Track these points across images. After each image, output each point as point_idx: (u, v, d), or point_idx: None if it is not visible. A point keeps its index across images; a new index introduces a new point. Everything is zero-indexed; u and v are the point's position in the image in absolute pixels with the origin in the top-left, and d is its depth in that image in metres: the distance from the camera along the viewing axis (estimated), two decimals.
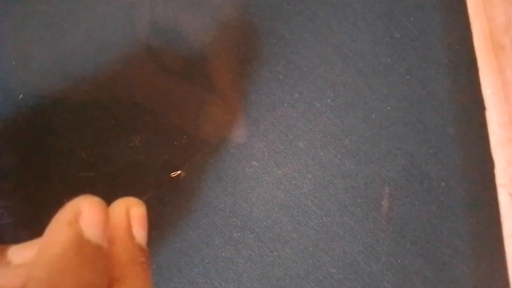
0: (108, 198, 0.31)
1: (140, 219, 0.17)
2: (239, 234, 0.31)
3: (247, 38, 0.35)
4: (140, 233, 0.17)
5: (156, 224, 0.31)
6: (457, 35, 0.37)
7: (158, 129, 0.33)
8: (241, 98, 0.34)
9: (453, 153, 0.35)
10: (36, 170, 0.31)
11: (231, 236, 0.31)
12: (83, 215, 0.15)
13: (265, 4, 0.36)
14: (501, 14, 0.31)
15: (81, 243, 0.14)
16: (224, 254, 0.31)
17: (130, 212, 0.17)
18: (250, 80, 0.35)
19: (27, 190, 0.30)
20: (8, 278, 0.16)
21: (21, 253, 0.17)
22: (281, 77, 0.35)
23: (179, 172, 0.32)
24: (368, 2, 0.37)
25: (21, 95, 0.32)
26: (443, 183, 0.35)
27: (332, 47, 0.36)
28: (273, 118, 0.34)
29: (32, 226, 0.30)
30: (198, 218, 0.31)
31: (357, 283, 0.32)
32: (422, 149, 0.35)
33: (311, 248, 0.32)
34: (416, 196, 0.34)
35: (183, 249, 0.31)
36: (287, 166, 0.33)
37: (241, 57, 0.35)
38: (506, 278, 0.31)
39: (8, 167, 0.30)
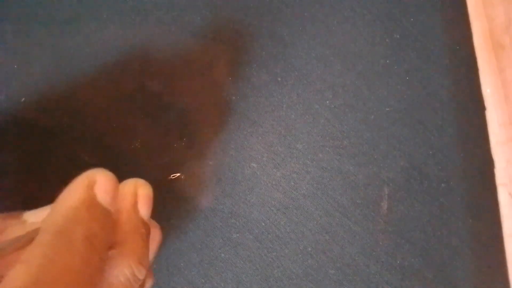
0: None
1: (145, 198, 0.20)
2: (238, 235, 0.32)
3: (246, 40, 0.36)
4: (143, 209, 0.19)
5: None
6: (457, 35, 0.37)
7: (158, 132, 0.33)
8: (240, 100, 0.35)
9: (453, 153, 0.35)
10: (38, 172, 0.31)
11: (230, 237, 0.32)
12: (97, 183, 0.17)
13: (264, 6, 0.36)
14: (501, 13, 0.32)
15: (93, 203, 0.17)
16: (223, 254, 0.31)
17: (138, 190, 0.20)
18: (249, 82, 0.35)
19: (28, 192, 0.31)
20: (23, 231, 0.17)
21: (35, 215, 0.19)
22: (280, 79, 0.35)
23: (178, 174, 0.32)
24: (367, 3, 0.37)
25: (23, 98, 0.32)
26: (443, 184, 0.35)
27: (331, 48, 0.36)
28: (272, 120, 0.34)
29: None
30: (197, 219, 0.32)
31: (356, 284, 0.32)
32: (422, 150, 0.35)
33: (310, 249, 0.32)
34: (416, 197, 0.34)
35: (182, 250, 0.31)
36: (286, 168, 0.34)
37: (240, 59, 0.35)
38: (506, 278, 0.31)
39: (9, 169, 0.31)
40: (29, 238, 0.15)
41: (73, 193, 0.17)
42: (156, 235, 0.22)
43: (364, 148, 0.35)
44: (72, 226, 0.15)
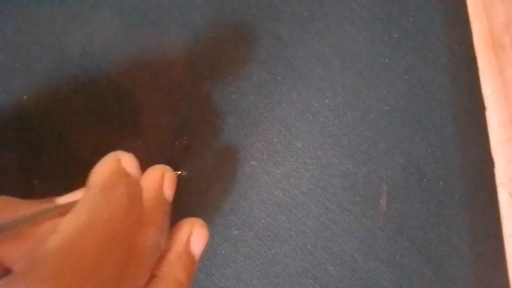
0: None
1: (171, 182, 0.22)
2: (238, 232, 0.32)
3: (246, 39, 0.36)
4: (168, 191, 0.21)
5: None
6: (456, 34, 0.37)
7: (159, 131, 0.33)
8: (241, 99, 0.35)
9: (452, 152, 0.35)
10: (39, 170, 0.31)
11: (230, 234, 0.32)
12: (122, 160, 0.19)
13: (263, 5, 0.36)
14: (501, 13, 0.32)
15: (124, 173, 0.18)
16: (223, 251, 0.32)
17: (165, 175, 0.22)
18: (249, 81, 0.35)
19: (30, 190, 0.31)
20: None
21: (68, 199, 0.20)
22: (279, 77, 0.35)
23: (179, 172, 0.32)
24: (367, 3, 0.37)
25: (25, 96, 0.32)
26: (441, 182, 0.35)
27: (330, 47, 0.36)
28: (272, 118, 0.35)
29: None
30: (198, 216, 0.32)
31: (355, 281, 0.33)
32: (421, 148, 0.35)
33: (309, 246, 0.33)
34: (414, 195, 0.35)
35: None
36: (285, 166, 0.34)
37: (240, 58, 0.35)
38: (506, 278, 0.32)
39: (11, 168, 0.31)
40: (66, 209, 0.16)
41: (105, 166, 0.18)
42: (202, 233, 0.22)
43: (363, 146, 0.35)
44: (114, 184, 0.17)
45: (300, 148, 0.34)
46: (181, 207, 0.32)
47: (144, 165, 0.33)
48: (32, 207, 0.18)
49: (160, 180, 0.21)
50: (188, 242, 0.20)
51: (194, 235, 0.21)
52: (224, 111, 0.34)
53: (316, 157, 0.34)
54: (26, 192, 0.31)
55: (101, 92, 0.34)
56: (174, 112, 0.34)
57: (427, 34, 0.38)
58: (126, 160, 0.19)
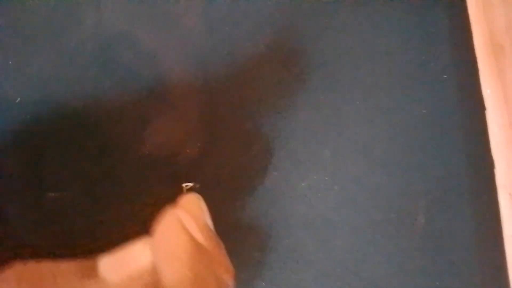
0: (113, 212, 0.27)
1: (207, 212, 0.21)
2: (258, 254, 0.28)
3: (264, 33, 0.32)
4: (209, 221, 0.21)
5: None
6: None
7: (168, 137, 0.30)
8: (259, 101, 0.31)
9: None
10: (34, 182, 0.28)
11: (249, 256, 0.28)
12: (186, 222, 0.18)
13: None
14: (501, 14, 0.31)
15: (196, 245, 0.17)
16: (242, 276, 0.28)
17: (201, 205, 0.21)
18: (269, 80, 0.31)
19: (26, 197, 0.28)
20: None
21: (113, 268, 0.18)
22: (303, 76, 0.32)
23: (192, 184, 0.29)
24: None
25: (18, 99, 0.29)
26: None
27: (360, 42, 0.33)
28: (294, 123, 0.31)
29: (31, 238, 0.27)
30: None
31: None
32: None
33: (338, 270, 0.29)
34: (455, 210, 0.31)
35: None
36: (311, 178, 0.30)
37: (258, 54, 0.32)
38: (506, 280, 0.29)
39: (3, 175, 0.28)
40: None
41: (175, 240, 0.18)
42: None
43: (398, 155, 0.31)
44: (203, 276, 0.16)
45: (327, 158, 0.30)
46: None
47: (151, 175, 0.29)
48: (75, 272, 0.17)
49: (203, 215, 0.20)
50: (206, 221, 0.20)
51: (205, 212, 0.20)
52: (241, 114, 0.31)
53: (345, 168, 0.30)
54: (23, 198, 0.28)
55: (103, 94, 0.30)
56: (185, 116, 0.30)
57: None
58: (191, 223, 0.18)
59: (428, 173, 0.31)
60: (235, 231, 0.29)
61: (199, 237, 0.18)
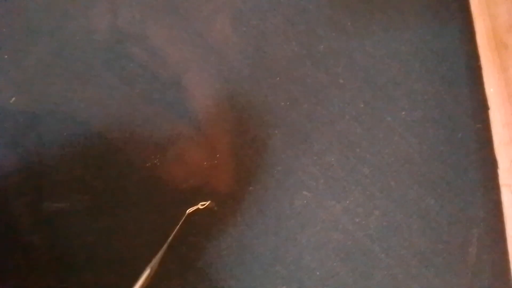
0: (115, 224, 0.23)
1: None
2: (284, 287, 0.24)
3: (299, 29, 0.28)
4: None
5: (177, 272, 0.24)
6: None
7: (183, 146, 0.26)
8: (290, 107, 0.27)
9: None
10: (29, 189, 0.24)
11: None
12: None
13: None
14: (504, 12, 0.31)
15: None
16: None
17: None
18: (302, 83, 0.27)
19: (19, 208, 0.24)
20: None
21: None
22: (341, 81, 0.27)
23: (208, 202, 0.25)
24: None
25: (13, 98, 0.25)
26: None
27: (407, 44, 0.28)
28: (330, 134, 0.27)
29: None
30: (231, 265, 0.24)
31: None
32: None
33: None
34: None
35: None
36: (348, 199, 0.26)
37: (291, 53, 0.27)
38: (508, 278, 0.27)
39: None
40: None
41: None
42: None
43: (449, 175, 0.27)
44: None
45: (367, 176, 0.26)
46: (209, 252, 0.24)
47: (161, 191, 0.25)
48: None
49: None
50: None
51: None
52: (269, 122, 0.26)
53: (387, 188, 0.26)
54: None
55: (109, 93, 0.26)
56: (203, 122, 0.26)
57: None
58: None
59: (483, 197, 0.27)
60: (257, 260, 0.24)
61: None
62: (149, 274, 0.21)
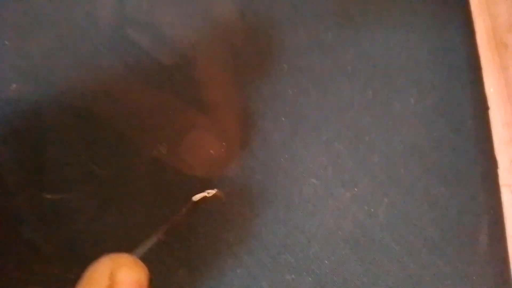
0: (120, 216, 0.23)
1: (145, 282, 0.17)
2: (293, 276, 0.24)
3: (306, 17, 0.27)
4: None
5: (184, 261, 0.23)
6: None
7: (190, 133, 0.25)
8: (298, 95, 0.26)
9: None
10: (29, 181, 0.24)
11: (282, 279, 0.24)
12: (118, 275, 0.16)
13: None
14: (504, 12, 0.31)
15: None
16: None
17: (117, 276, 0.17)
18: (310, 72, 0.27)
19: (19, 201, 0.23)
20: None
21: None
22: (350, 68, 0.27)
23: (215, 191, 0.24)
24: None
25: (13, 85, 0.24)
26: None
27: (417, 33, 0.28)
28: (339, 123, 0.26)
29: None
30: (239, 254, 0.24)
31: None
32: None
33: None
34: None
35: None
36: (357, 187, 0.26)
37: (299, 40, 0.27)
38: (508, 278, 0.26)
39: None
40: None
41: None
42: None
43: (459, 163, 0.27)
44: None
45: (377, 164, 0.26)
46: (216, 241, 0.24)
47: (166, 180, 0.25)
48: None
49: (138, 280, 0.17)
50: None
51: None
52: (276, 110, 0.26)
53: (397, 176, 0.26)
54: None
55: (114, 81, 0.26)
56: (210, 109, 0.26)
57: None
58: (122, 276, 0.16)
59: (493, 184, 0.26)
60: (265, 249, 0.24)
61: None
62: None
